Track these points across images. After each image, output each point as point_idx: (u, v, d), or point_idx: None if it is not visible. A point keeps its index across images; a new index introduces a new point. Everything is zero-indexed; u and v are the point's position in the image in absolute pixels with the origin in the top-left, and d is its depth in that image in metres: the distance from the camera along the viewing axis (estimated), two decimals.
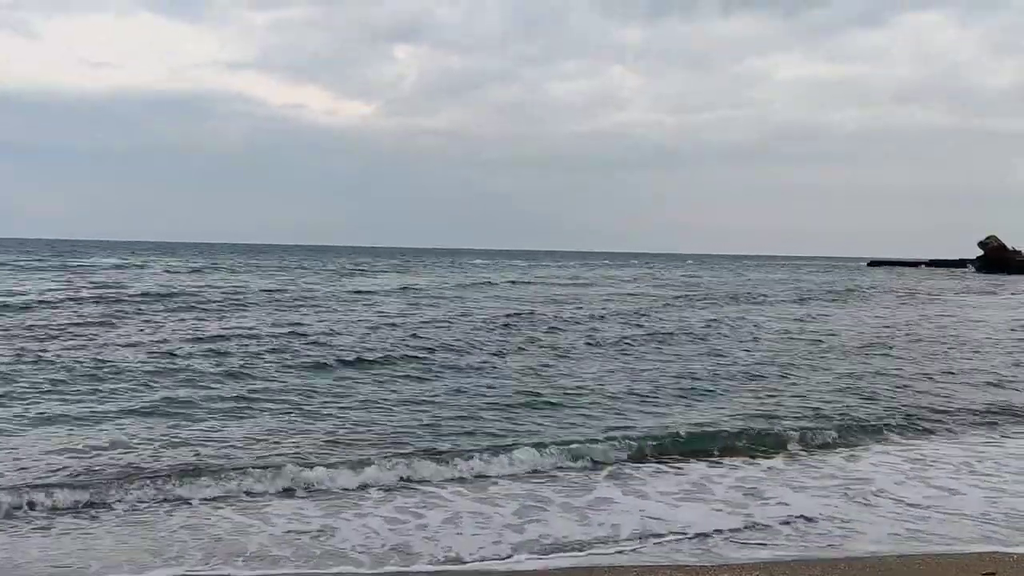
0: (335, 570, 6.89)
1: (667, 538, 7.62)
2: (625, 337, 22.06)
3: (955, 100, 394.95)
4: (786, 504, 8.67)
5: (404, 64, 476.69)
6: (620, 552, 7.27)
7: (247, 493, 8.69)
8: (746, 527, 7.93)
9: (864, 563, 7.01)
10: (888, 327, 27.24)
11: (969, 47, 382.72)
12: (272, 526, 7.84)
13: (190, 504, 8.39)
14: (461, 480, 9.37)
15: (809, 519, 8.17)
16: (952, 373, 17.52)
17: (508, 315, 27.01)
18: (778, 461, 10.50)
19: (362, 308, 29.45)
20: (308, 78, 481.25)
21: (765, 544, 7.48)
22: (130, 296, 30.07)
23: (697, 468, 10.02)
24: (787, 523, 8.04)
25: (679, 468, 10.02)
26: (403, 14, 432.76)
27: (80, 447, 10.05)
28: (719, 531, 7.78)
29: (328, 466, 9.39)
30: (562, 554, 7.23)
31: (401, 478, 9.28)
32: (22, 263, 56.52)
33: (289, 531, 7.72)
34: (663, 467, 10.07)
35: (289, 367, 16.00)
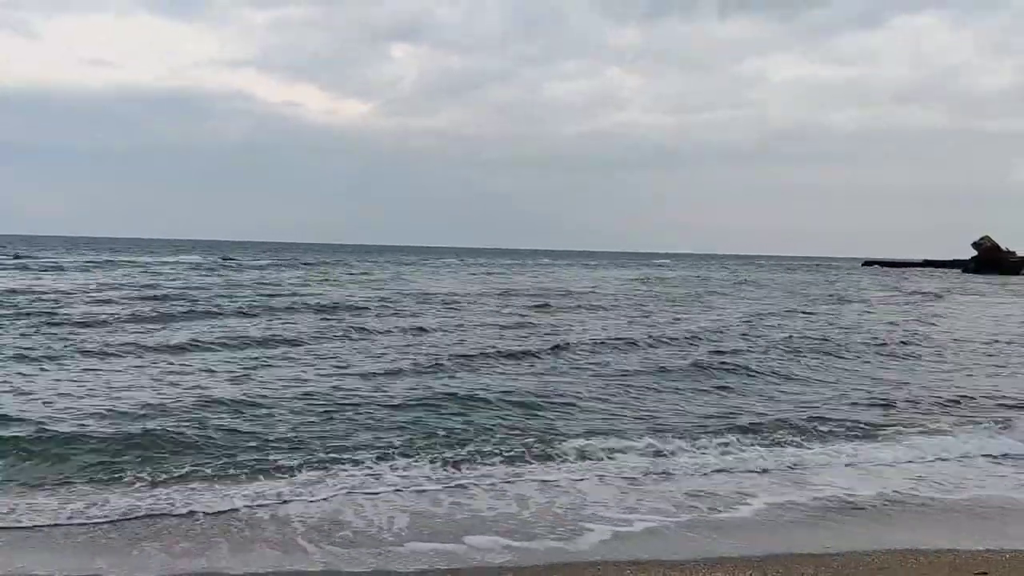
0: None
1: None
2: None
3: (954, 100, 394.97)
4: None
5: (404, 64, 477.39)
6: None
7: None
8: None
9: (858, 560, 7.03)
10: None
11: (968, 47, 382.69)
12: None
13: None
14: None
15: None
16: None
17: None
18: None
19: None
20: (308, 77, 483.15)
21: None
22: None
23: None
24: None
25: None
26: (403, 14, 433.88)
27: None
28: None
29: None
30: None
31: None
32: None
33: None
34: None
35: None
